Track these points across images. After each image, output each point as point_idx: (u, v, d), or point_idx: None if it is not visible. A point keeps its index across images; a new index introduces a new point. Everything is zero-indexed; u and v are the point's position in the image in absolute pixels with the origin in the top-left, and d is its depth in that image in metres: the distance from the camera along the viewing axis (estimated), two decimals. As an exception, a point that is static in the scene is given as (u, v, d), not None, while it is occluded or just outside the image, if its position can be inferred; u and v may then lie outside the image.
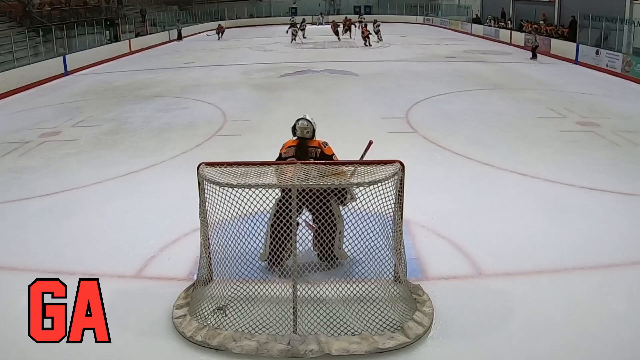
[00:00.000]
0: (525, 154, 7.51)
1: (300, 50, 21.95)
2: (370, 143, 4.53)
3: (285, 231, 3.76)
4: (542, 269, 4.45)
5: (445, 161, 7.33)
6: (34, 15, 20.89)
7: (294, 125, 4.47)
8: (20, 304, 4.20)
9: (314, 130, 4.45)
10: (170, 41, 27.36)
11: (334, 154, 4.37)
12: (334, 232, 4.21)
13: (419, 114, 10.03)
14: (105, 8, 26.82)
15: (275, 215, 4.05)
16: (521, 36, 21.93)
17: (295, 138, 4.48)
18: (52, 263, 4.69)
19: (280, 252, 4.05)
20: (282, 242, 3.82)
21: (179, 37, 28.41)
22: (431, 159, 7.42)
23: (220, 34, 28.88)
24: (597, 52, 15.80)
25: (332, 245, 4.24)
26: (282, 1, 41.21)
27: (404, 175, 3.94)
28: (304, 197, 3.72)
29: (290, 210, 3.69)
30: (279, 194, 4.09)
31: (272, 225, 4.14)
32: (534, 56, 18.42)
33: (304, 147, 4.36)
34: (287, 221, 3.74)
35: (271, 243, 4.11)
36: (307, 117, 4.45)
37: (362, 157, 4.41)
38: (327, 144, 4.42)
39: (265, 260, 4.31)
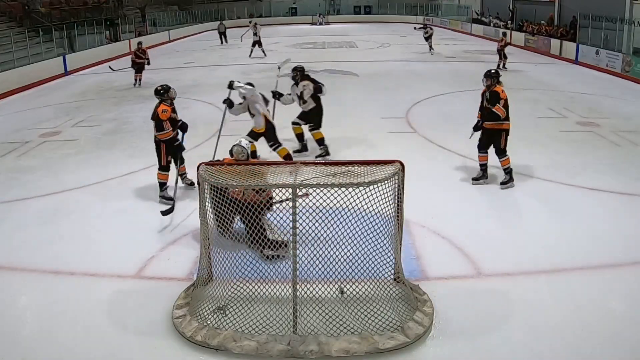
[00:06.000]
0: (525, 154, 7.50)
1: (300, 50, 21.93)
2: None
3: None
4: (542, 269, 4.45)
5: (445, 161, 7.33)
6: (34, 15, 20.88)
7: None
8: (20, 304, 4.23)
9: (248, 155, 4.84)
10: (170, 41, 27.21)
11: None
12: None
13: (419, 114, 10.03)
14: (105, 8, 26.81)
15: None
16: (521, 36, 21.90)
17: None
18: (52, 263, 4.69)
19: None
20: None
21: (225, 38, 24.22)
22: (431, 159, 7.42)
23: (138, 69, 13.97)
24: (597, 52, 15.80)
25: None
26: (282, 1, 41.21)
27: (404, 175, 3.95)
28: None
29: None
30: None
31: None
32: None
33: None
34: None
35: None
36: (242, 144, 4.86)
37: None
38: None
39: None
